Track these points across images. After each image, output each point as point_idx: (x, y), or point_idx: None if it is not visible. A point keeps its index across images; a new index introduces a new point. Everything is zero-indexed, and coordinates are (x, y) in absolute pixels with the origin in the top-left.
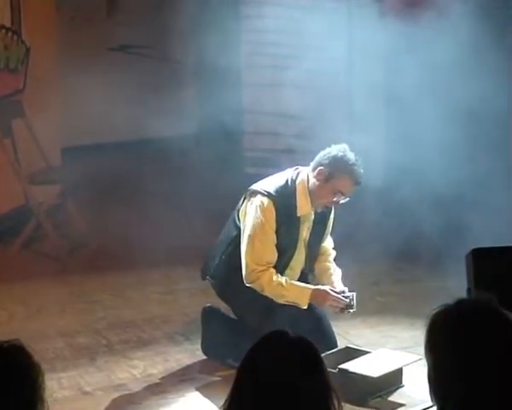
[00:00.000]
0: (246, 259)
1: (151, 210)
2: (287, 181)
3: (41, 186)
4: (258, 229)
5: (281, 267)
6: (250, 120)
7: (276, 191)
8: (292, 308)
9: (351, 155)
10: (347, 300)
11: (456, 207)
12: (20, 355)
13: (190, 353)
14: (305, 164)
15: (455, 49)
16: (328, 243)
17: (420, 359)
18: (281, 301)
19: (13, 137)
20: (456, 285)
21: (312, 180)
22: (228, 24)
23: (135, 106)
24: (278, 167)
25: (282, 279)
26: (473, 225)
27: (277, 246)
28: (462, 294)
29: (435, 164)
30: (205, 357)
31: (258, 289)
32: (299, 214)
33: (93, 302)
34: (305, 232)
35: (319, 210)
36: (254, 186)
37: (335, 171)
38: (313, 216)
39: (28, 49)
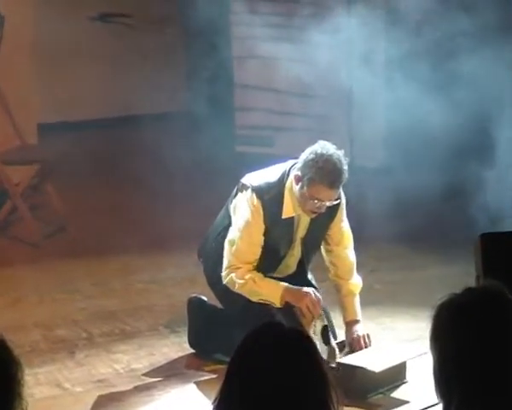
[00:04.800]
0: (226, 256)
1: (135, 192)
2: (280, 177)
3: (16, 166)
4: (243, 229)
5: (275, 264)
6: (241, 96)
7: (266, 189)
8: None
9: (322, 157)
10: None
11: (462, 188)
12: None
13: (177, 346)
14: (301, 143)
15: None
16: (344, 241)
17: (425, 353)
18: (255, 298)
19: None
20: (463, 272)
21: (294, 185)
22: None
23: (118, 80)
24: (271, 146)
25: (256, 275)
26: (480, 209)
27: (269, 243)
28: (471, 282)
29: (439, 142)
30: (192, 351)
31: (230, 286)
32: (283, 217)
33: (72, 292)
34: (301, 231)
35: (311, 216)
36: (247, 179)
37: (306, 177)
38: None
39: (3, 18)
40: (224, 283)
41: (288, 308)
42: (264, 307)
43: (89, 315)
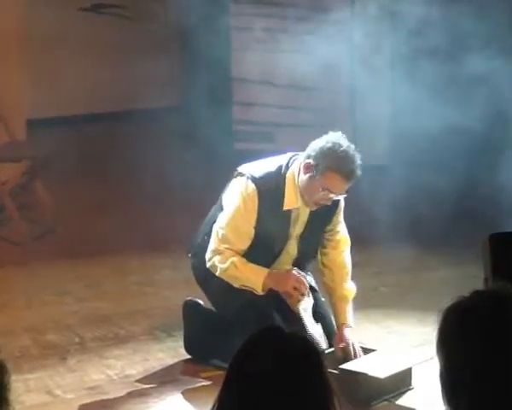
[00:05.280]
0: (212, 241)
1: (129, 190)
2: (279, 168)
3: (4, 164)
4: (232, 216)
5: (269, 261)
6: (240, 90)
7: (264, 179)
8: (284, 301)
9: (341, 147)
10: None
11: (471, 187)
12: None
13: (173, 351)
14: (302, 139)
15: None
16: (341, 245)
17: (431, 358)
18: (236, 284)
19: None
20: (471, 274)
21: (301, 174)
22: None
23: (110, 74)
24: (271, 143)
25: (238, 260)
26: (489, 209)
27: (262, 237)
28: (479, 284)
29: (446, 140)
30: (189, 356)
31: (213, 270)
32: (285, 208)
33: (64, 294)
34: (298, 227)
35: (313, 208)
36: (242, 168)
37: (322, 166)
38: (308, 210)
39: None
40: (208, 266)
41: (287, 312)
42: (263, 311)
43: (81, 319)
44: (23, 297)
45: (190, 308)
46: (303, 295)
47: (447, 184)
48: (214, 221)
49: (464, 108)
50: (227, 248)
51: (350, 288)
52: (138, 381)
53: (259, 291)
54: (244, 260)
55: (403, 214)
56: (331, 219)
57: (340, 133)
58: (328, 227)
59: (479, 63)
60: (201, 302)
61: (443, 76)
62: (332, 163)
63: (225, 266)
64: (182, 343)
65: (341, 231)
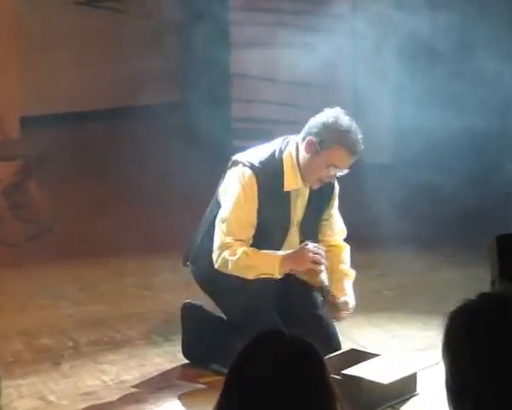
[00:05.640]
0: (217, 237)
1: (126, 190)
2: (274, 152)
3: None
4: (234, 206)
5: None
6: (239, 86)
7: (261, 163)
8: (284, 303)
9: (344, 121)
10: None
11: (476, 187)
12: None
13: (170, 356)
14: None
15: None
16: (338, 231)
17: (437, 363)
18: (251, 275)
19: None
20: (478, 276)
21: (302, 152)
22: None
23: (106, 69)
24: (271, 140)
25: (248, 249)
26: (495, 209)
27: (263, 226)
28: (486, 287)
29: (454, 137)
30: (187, 361)
31: (223, 267)
32: (286, 189)
33: (58, 297)
34: (298, 212)
35: (315, 187)
36: (236, 156)
37: (326, 140)
38: (307, 193)
39: None
40: (217, 266)
41: (289, 315)
42: (264, 315)
43: (76, 323)
44: (17, 300)
45: (189, 311)
46: (322, 265)
47: (451, 183)
48: (211, 221)
49: (468, 106)
50: (234, 240)
51: (351, 270)
52: (134, 387)
53: (277, 275)
54: (254, 248)
55: (406, 214)
56: (328, 203)
57: (338, 108)
58: (325, 215)
59: (484, 61)
60: (201, 304)
61: (447, 74)
62: (337, 138)
63: (237, 257)
64: (179, 348)
65: (338, 222)
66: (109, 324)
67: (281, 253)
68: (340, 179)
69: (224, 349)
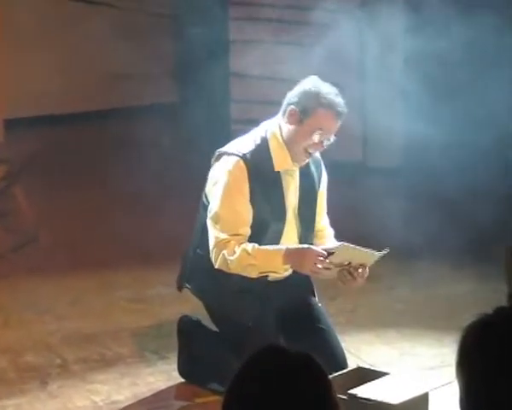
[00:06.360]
0: (211, 234)
1: (116, 197)
2: (257, 137)
3: None
4: (225, 196)
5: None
6: (238, 86)
7: (247, 149)
8: (288, 317)
9: (324, 85)
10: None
11: (491, 194)
12: None
13: (165, 375)
14: None
15: None
16: (324, 215)
17: (449, 382)
18: (254, 274)
19: None
20: (494, 289)
21: (285, 126)
22: None
23: (97, 68)
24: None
25: (249, 246)
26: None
27: (259, 217)
28: (502, 300)
29: (470, 143)
30: (182, 380)
31: (223, 267)
32: (276, 169)
33: (44, 312)
34: (291, 197)
35: (303, 162)
36: (219, 150)
37: (309, 107)
38: (298, 173)
39: None
40: (216, 266)
41: (290, 330)
42: (264, 330)
43: (63, 339)
44: (0, 314)
45: (186, 326)
46: (327, 268)
47: (463, 192)
48: (202, 229)
49: (478, 110)
50: (231, 236)
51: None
52: (127, 408)
53: (281, 272)
54: (254, 244)
55: (416, 223)
56: (319, 181)
57: (315, 76)
58: (319, 192)
59: (494, 67)
60: (199, 319)
61: (457, 78)
62: (321, 101)
63: (236, 255)
64: (174, 366)
65: (325, 207)
66: (99, 340)
67: (283, 248)
68: (347, 188)
69: (222, 367)
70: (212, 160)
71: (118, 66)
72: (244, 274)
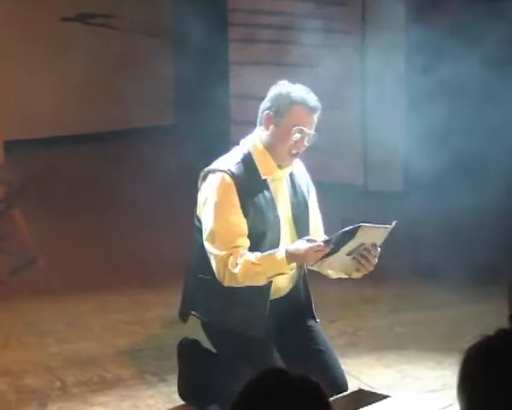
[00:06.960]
0: (211, 255)
1: (116, 218)
2: (239, 153)
3: None
4: (216, 213)
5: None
6: (239, 108)
7: (232, 164)
8: (288, 339)
9: (294, 86)
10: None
11: (491, 215)
12: None
13: (165, 397)
14: (308, 158)
15: None
16: (320, 225)
17: (450, 405)
18: (262, 281)
19: None
20: (495, 311)
21: (264, 134)
22: None
23: (97, 90)
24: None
25: (251, 256)
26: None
27: (253, 228)
28: (504, 322)
29: (471, 165)
30: (183, 402)
31: (233, 282)
32: (264, 177)
33: (44, 334)
34: (282, 205)
35: (289, 165)
36: (204, 170)
37: (282, 107)
38: (285, 184)
39: None
40: (225, 284)
41: (288, 352)
42: (265, 353)
43: (63, 361)
44: None
45: (186, 348)
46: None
47: (466, 212)
48: (199, 251)
49: (480, 131)
50: (231, 249)
51: None
52: None
53: (286, 271)
54: (256, 253)
55: (418, 246)
56: (308, 188)
57: (284, 80)
58: (310, 198)
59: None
60: (199, 341)
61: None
62: (293, 99)
63: (240, 266)
64: (175, 388)
65: (319, 218)
66: (99, 362)
67: (282, 252)
68: (347, 211)
69: (222, 390)
70: (199, 182)
71: (116, 87)
72: (253, 284)
